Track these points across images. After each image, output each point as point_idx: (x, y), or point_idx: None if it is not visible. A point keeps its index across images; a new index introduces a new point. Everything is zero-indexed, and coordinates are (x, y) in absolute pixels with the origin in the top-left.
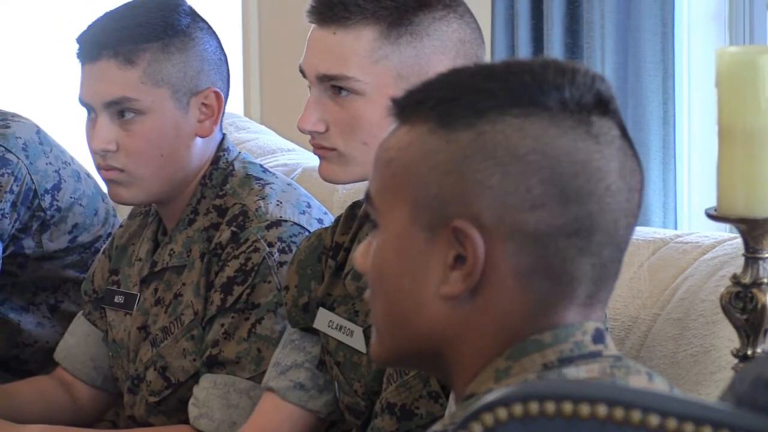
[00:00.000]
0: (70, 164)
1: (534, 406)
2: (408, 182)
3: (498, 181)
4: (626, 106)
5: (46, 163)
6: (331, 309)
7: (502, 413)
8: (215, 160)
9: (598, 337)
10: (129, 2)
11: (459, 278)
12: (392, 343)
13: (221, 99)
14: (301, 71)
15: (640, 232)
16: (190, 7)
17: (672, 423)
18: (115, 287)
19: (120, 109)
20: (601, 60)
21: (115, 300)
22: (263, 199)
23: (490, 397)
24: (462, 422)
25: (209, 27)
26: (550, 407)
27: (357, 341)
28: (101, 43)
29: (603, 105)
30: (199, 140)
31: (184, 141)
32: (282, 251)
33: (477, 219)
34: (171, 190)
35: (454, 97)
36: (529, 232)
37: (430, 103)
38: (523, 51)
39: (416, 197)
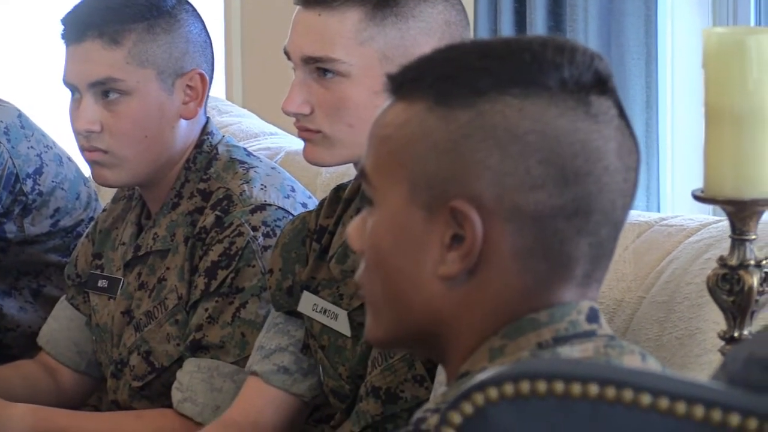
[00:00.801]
0: (51, 148)
1: (525, 386)
2: (406, 160)
3: (497, 161)
4: None
5: (28, 147)
6: (316, 292)
7: (493, 393)
8: (199, 144)
9: (593, 316)
10: None
11: (456, 258)
12: (389, 323)
13: (206, 81)
14: (286, 53)
15: None
16: None
17: (664, 402)
18: (98, 271)
19: (105, 90)
20: (584, 43)
21: (99, 284)
22: (247, 183)
23: (481, 377)
24: (453, 402)
25: (194, 9)
26: (542, 387)
27: (341, 325)
28: (86, 24)
29: (601, 84)
30: (183, 122)
31: (169, 122)
32: (266, 235)
33: (476, 199)
34: (155, 172)
35: (453, 75)
36: (527, 212)
37: (428, 80)
38: (506, 31)
39: (414, 176)
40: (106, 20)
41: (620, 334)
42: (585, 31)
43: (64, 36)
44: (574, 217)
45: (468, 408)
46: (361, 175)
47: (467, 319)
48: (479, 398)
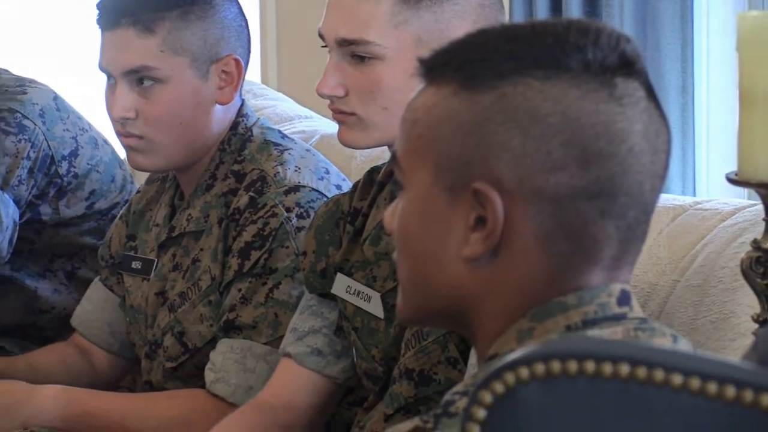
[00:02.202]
0: (87, 131)
1: (556, 365)
2: (431, 143)
3: (519, 143)
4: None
5: (63, 130)
6: (349, 274)
7: (523, 372)
8: (234, 126)
9: (624, 299)
10: None
11: (479, 240)
12: (416, 303)
13: (241, 66)
14: (321, 36)
15: (659, 199)
16: None
17: (695, 382)
18: (132, 253)
19: (139, 77)
20: (620, 26)
21: (133, 265)
22: (282, 164)
23: (511, 357)
24: (483, 381)
25: None
26: (573, 366)
27: (375, 307)
28: (121, 11)
29: (628, 66)
30: (218, 107)
31: (204, 108)
32: (300, 216)
33: (497, 181)
34: (190, 156)
35: (478, 59)
36: (549, 194)
37: (455, 64)
38: (542, 15)
39: (439, 158)
40: (140, 8)
41: (654, 318)
42: (620, 15)
43: (99, 22)
44: (597, 198)
45: (499, 387)
46: (393, 159)
47: (493, 301)
48: (510, 378)
